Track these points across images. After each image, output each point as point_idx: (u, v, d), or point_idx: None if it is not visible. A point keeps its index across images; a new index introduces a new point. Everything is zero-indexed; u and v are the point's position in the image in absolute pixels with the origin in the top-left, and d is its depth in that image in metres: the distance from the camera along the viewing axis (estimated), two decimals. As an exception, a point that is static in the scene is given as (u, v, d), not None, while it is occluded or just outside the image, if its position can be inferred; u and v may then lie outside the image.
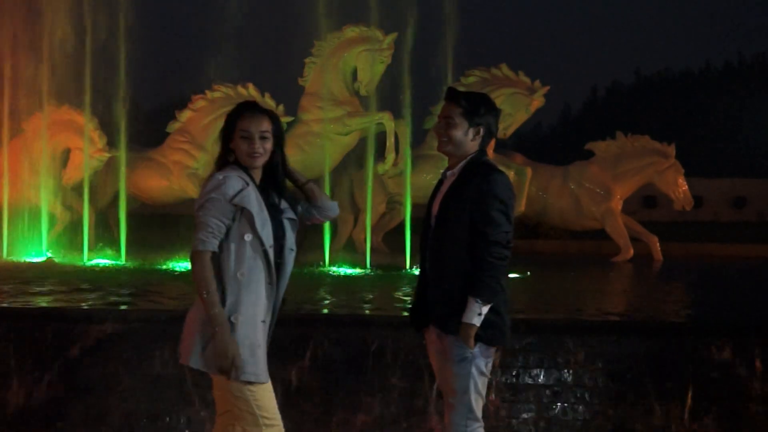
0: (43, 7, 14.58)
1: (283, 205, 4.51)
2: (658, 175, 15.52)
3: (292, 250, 4.50)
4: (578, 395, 6.42)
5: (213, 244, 4.31)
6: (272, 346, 4.51)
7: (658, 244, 15.56)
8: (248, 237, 4.34)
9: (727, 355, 6.43)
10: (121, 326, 6.58)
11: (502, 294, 4.61)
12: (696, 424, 6.38)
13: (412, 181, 14.13)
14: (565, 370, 6.42)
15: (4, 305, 7.72)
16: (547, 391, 6.42)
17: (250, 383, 4.33)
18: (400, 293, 9.57)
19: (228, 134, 4.45)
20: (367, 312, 8.07)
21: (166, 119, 15.40)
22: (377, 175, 14.44)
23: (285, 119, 13.87)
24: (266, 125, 4.43)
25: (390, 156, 14.33)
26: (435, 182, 4.91)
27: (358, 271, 12.74)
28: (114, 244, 14.43)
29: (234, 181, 4.35)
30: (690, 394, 6.41)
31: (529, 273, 11.77)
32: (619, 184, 15.55)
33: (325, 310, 8.10)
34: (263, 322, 4.38)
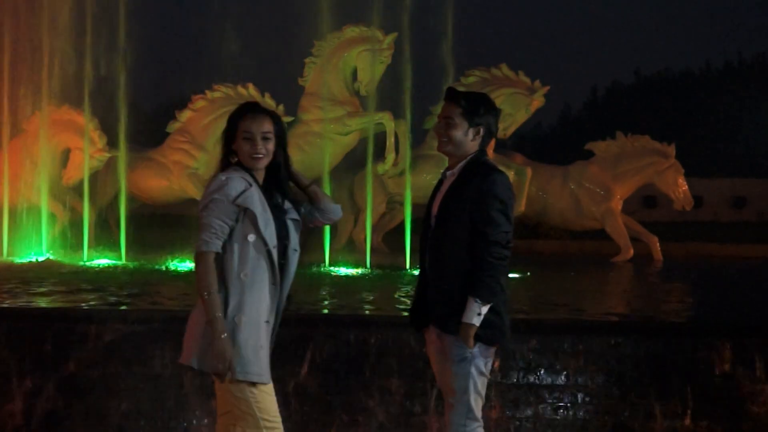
0: (44, 6, 14.57)
1: (287, 205, 4.51)
2: (658, 175, 15.51)
3: (295, 250, 4.50)
4: (578, 395, 6.42)
5: (216, 245, 4.32)
6: (273, 346, 4.51)
7: (658, 244, 15.56)
8: (251, 237, 4.34)
9: (727, 355, 6.44)
10: (121, 326, 6.58)
11: (502, 294, 4.62)
12: (696, 425, 6.38)
13: (412, 181, 14.13)
14: (565, 371, 6.42)
15: (5, 305, 7.72)
16: (547, 392, 6.42)
17: (253, 384, 4.33)
18: (400, 293, 9.57)
19: (230, 135, 4.45)
20: (367, 312, 8.07)
21: (166, 119, 15.41)
22: (377, 175, 14.44)
23: (285, 119, 13.84)
24: (268, 126, 4.43)
25: (390, 156, 14.32)
26: (435, 182, 4.92)
27: (358, 271, 12.74)
28: (114, 244, 14.43)
29: (237, 182, 4.35)
30: (690, 395, 6.41)
31: (529, 273, 11.77)
32: (619, 184, 15.55)
33: (325, 310, 8.09)
34: (267, 322, 4.38)
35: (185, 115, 15.00)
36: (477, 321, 4.52)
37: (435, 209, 4.74)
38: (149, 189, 15.31)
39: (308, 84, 14.88)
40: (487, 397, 5.04)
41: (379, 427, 6.40)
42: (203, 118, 14.82)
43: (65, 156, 15.06)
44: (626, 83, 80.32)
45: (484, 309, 4.53)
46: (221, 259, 4.34)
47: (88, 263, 13.54)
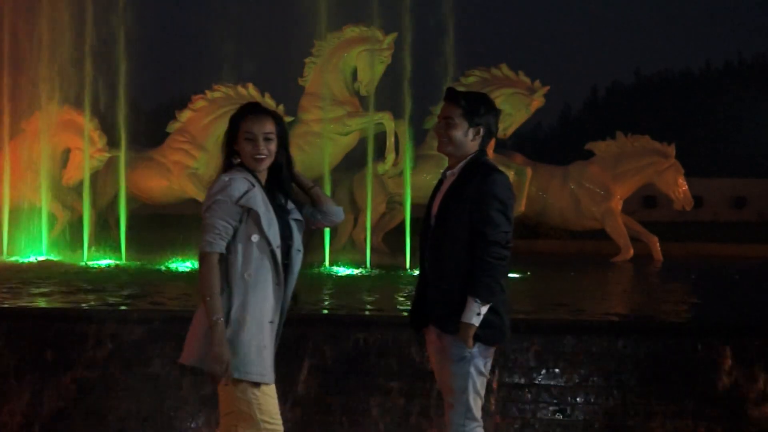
0: (44, 6, 14.57)
1: (290, 206, 4.52)
2: (658, 175, 15.51)
3: (299, 250, 4.51)
4: (578, 395, 6.42)
5: (220, 246, 4.32)
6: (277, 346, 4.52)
7: (658, 244, 15.55)
8: (255, 238, 4.35)
9: (727, 355, 6.44)
10: (121, 326, 6.58)
11: (502, 294, 4.62)
12: (696, 425, 6.38)
13: (412, 181, 14.12)
14: (565, 371, 6.42)
15: (5, 305, 7.71)
16: (547, 392, 6.42)
17: (255, 385, 4.33)
18: (400, 293, 9.57)
19: (232, 136, 4.45)
20: (367, 312, 8.07)
21: (166, 119, 15.39)
22: (377, 175, 14.43)
23: (285, 119, 13.82)
24: (270, 126, 4.44)
25: (390, 156, 14.32)
26: (435, 182, 4.92)
27: (358, 271, 12.74)
28: (114, 244, 14.43)
29: (240, 183, 4.36)
30: (690, 395, 6.41)
31: (529, 273, 11.77)
32: (619, 184, 15.54)
33: (325, 310, 8.09)
34: (271, 322, 4.39)
35: (185, 115, 14.99)
36: (476, 321, 4.52)
37: (435, 209, 4.74)
38: (149, 189, 15.31)
39: (308, 84, 14.88)
40: (487, 398, 5.05)
41: (379, 428, 6.40)
42: (203, 118, 14.81)
43: (65, 156, 15.06)
44: (626, 83, 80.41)
45: (484, 309, 4.53)
46: (225, 260, 4.34)
47: (88, 263, 13.54)
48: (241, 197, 4.34)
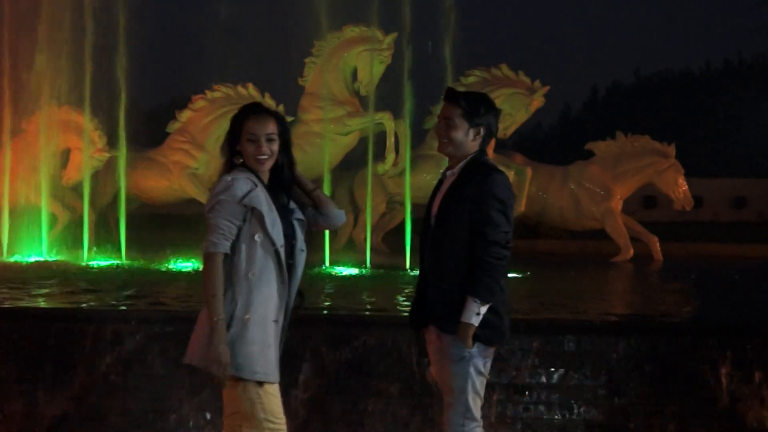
0: (44, 6, 14.57)
1: (292, 205, 4.53)
2: (658, 175, 15.51)
3: (302, 250, 4.51)
4: (578, 395, 6.42)
5: (225, 246, 4.33)
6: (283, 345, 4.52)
7: (658, 244, 15.55)
8: (259, 237, 4.35)
9: (727, 355, 6.44)
10: (121, 326, 6.58)
11: (501, 294, 4.62)
12: (696, 425, 6.38)
13: (412, 181, 14.12)
14: (565, 371, 6.42)
15: (5, 305, 7.72)
16: (546, 392, 6.42)
17: (259, 384, 4.33)
18: (400, 293, 9.57)
19: (234, 137, 4.46)
20: (367, 312, 8.07)
21: (166, 119, 15.40)
22: (377, 175, 14.43)
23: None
24: (272, 127, 4.45)
25: (390, 156, 14.32)
26: (435, 182, 4.92)
27: (358, 271, 12.73)
28: (114, 244, 14.42)
29: (242, 183, 4.36)
30: (690, 395, 6.41)
31: (529, 273, 11.77)
32: (619, 184, 15.55)
33: (325, 311, 8.09)
34: (275, 321, 4.39)
35: (185, 115, 14.99)
36: (476, 321, 4.52)
37: (435, 209, 4.74)
38: (149, 189, 15.31)
39: (308, 84, 14.88)
40: (486, 397, 5.04)
41: (379, 428, 6.40)
42: (203, 118, 14.81)
43: (65, 156, 15.06)
44: (626, 83, 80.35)
45: (483, 309, 4.53)
46: (229, 259, 4.35)
47: (88, 263, 13.54)
48: (244, 197, 4.34)
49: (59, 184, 14.90)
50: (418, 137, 15.01)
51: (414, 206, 13.78)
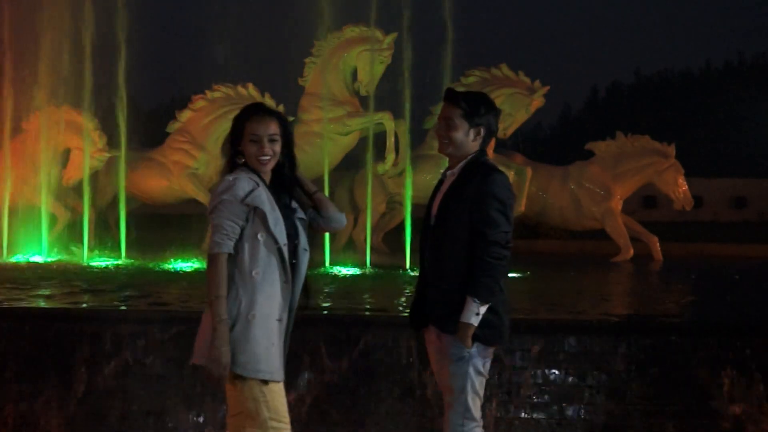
0: (44, 6, 14.57)
1: (294, 205, 4.53)
2: (658, 175, 15.51)
3: (305, 249, 4.52)
4: (578, 395, 6.42)
5: (228, 246, 4.33)
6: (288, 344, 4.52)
7: (658, 244, 15.55)
8: (261, 236, 4.36)
9: (727, 355, 6.44)
10: (121, 326, 6.58)
11: (501, 294, 4.62)
12: (696, 425, 6.38)
13: (412, 181, 14.12)
14: (565, 371, 6.42)
15: (5, 305, 7.72)
16: (547, 391, 6.42)
17: (264, 383, 4.33)
18: (400, 293, 9.57)
19: (236, 137, 4.46)
20: (367, 312, 8.07)
21: (166, 119, 15.40)
22: (377, 175, 14.43)
23: (285, 119, 13.82)
24: (275, 128, 4.45)
25: (390, 156, 14.32)
26: (435, 182, 4.92)
27: (358, 271, 12.73)
28: (114, 244, 14.43)
29: (244, 182, 4.37)
30: (690, 395, 6.41)
31: (529, 273, 11.77)
32: (619, 184, 15.55)
33: (325, 311, 8.09)
34: (278, 320, 4.39)
35: (185, 115, 14.99)
36: (475, 321, 4.52)
37: (435, 209, 4.74)
38: (149, 189, 15.31)
39: (308, 84, 14.88)
40: (486, 397, 5.04)
41: (379, 427, 6.40)
42: (203, 118, 14.81)
43: (65, 156, 15.06)
44: (626, 83, 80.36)
45: (483, 309, 4.53)
46: (233, 259, 4.35)
47: (88, 263, 13.54)
48: (246, 196, 4.34)
49: (59, 184, 14.90)
50: (418, 137, 15.01)
51: (414, 206, 13.78)
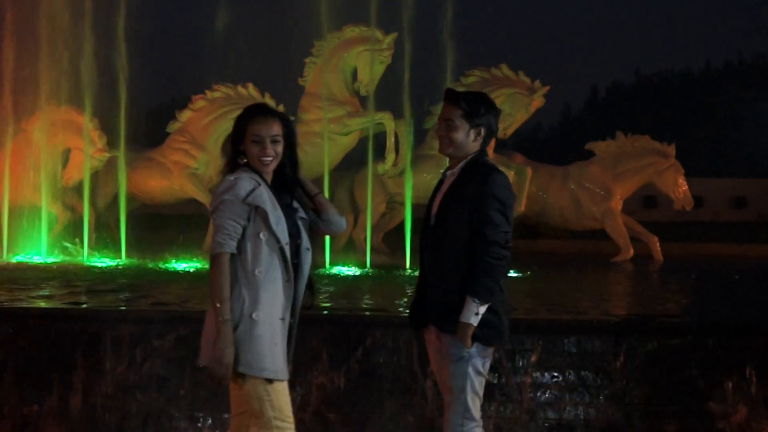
0: (44, 6, 14.57)
1: (295, 205, 4.53)
2: (658, 175, 15.51)
3: (308, 249, 4.52)
4: (578, 396, 6.42)
5: (231, 246, 4.33)
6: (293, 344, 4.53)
7: (658, 244, 15.55)
8: (263, 235, 4.36)
9: (727, 354, 6.44)
10: (121, 326, 6.58)
11: (501, 294, 4.62)
12: (696, 424, 6.38)
13: (412, 181, 14.12)
14: (565, 371, 6.42)
15: (5, 305, 7.72)
16: (547, 391, 6.42)
17: (268, 382, 4.33)
18: (400, 293, 9.57)
19: (238, 137, 4.46)
20: (367, 312, 8.07)
21: (166, 119, 15.39)
22: (377, 175, 14.43)
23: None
24: (277, 129, 4.45)
25: (390, 156, 14.31)
26: (435, 182, 4.92)
27: (358, 271, 12.73)
28: (114, 244, 14.42)
29: (245, 182, 4.37)
30: (690, 394, 6.41)
31: (529, 273, 11.77)
32: (619, 184, 15.55)
33: (325, 311, 8.09)
34: (282, 319, 4.39)
35: (185, 115, 14.99)
36: (475, 321, 4.52)
37: (435, 209, 4.74)
38: (149, 189, 15.30)
39: (308, 84, 14.88)
40: (486, 398, 5.04)
41: (379, 428, 6.40)
42: (203, 118, 14.81)
43: (65, 156, 15.06)
44: (626, 83, 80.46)
45: (482, 309, 4.53)
46: (235, 258, 4.35)
47: (88, 263, 13.54)
48: (247, 196, 4.34)
49: (59, 184, 14.90)
50: (418, 137, 15.01)
51: (414, 206, 13.78)
